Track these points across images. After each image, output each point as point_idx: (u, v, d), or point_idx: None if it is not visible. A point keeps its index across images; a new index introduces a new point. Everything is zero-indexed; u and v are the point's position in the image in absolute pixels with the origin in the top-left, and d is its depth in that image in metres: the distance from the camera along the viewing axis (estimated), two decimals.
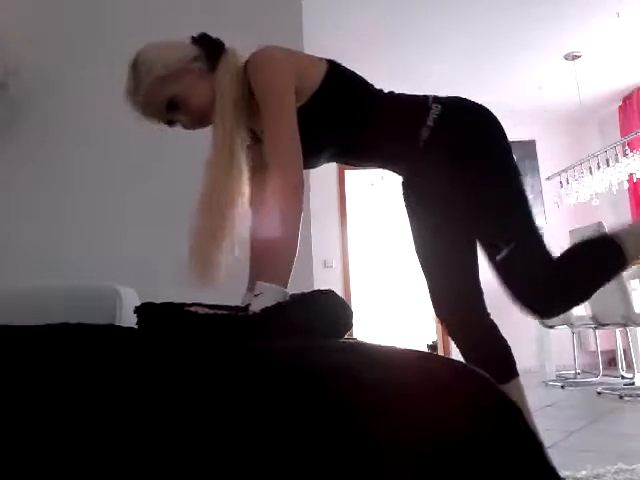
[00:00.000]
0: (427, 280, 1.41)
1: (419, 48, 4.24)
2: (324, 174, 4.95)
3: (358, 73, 1.31)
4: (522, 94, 5.04)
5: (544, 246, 1.27)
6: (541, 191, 5.62)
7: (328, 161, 1.37)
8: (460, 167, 1.25)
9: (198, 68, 1.20)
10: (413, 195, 1.42)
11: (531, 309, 1.27)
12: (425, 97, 1.30)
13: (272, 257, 1.08)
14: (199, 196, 1.15)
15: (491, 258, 1.26)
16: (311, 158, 1.18)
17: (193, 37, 1.24)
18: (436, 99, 1.29)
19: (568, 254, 1.30)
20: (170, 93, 1.18)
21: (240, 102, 1.20)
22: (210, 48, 1.22)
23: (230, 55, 1.23)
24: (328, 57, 1.29)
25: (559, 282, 1.26)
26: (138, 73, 1.17)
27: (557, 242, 4.89)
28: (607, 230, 1.35)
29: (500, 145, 1.28)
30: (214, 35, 1.26)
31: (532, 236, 1.27)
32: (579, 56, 4.47)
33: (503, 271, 1.25)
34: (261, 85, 1.17)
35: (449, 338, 1.44)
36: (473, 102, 1.32)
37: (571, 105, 5.21)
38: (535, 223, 1.27)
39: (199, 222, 1.13)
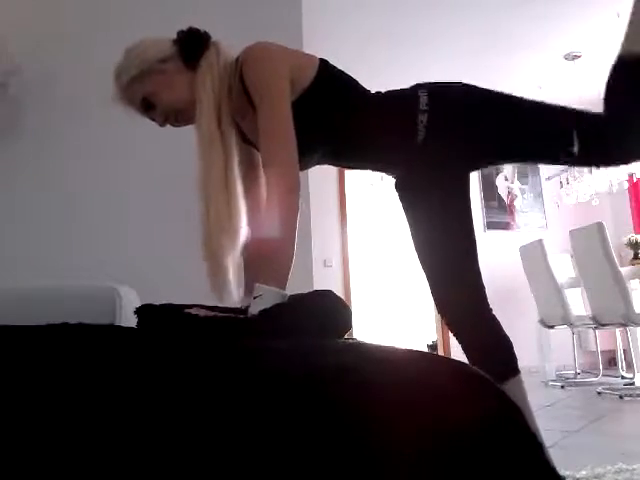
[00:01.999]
0: (427, 277, 1.41)
1: (418, 48, 4.24)
2: (324, 174, 4.95)
3: (352, 73, 1.31)
4: (522, 94, 5.04)
5: (588, 114, 1.31)
6: (541, 191, 5.63)
7: (319, 162, 1.36)
8: (469, 126, 1.28)
9: (173, 67, 1.20)
10: (409, 194, 1.41)
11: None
12: (409, 87, 1.33)
13: (270, 259, 1.06)
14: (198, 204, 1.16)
15: (573, 157, 1.30)
16: (302, 157, 1.17)
17: (178, 32, 1.24)
18: (419, 86, 1.32)
19: (609, 98, 1.33)
20: (142, 92, 1.20)
21: (225, 101, 1.19)
22: (190, 46, 1.21)
23: (213, 52, 1.22)
24: (326, 58, 1.29)
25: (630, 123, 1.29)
26: (117, 76, 1.21)
27: (557, 242, 4.88)
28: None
29: (490, 95, 1.34)
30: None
31: (574, 116, 1.32)
32: (579, 56, 4.47)
33: (591, 153, 1.30)
34: (256, 80, 1.16)
35: (449, 338, 1.44)
36: (448, 81, 1.35)
37: (571, 105, 5.21)
38: (566, 110, 1.32)
39: (202, 235, 1.14)
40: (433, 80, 1.35)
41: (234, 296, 1.14)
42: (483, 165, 1.44)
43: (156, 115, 1.24)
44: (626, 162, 1.34)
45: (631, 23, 1.28)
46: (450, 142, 1.28)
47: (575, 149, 1.26)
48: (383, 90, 1.34)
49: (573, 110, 1.32)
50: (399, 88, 1.33)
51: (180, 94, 1.21)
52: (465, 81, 1.35)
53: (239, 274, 1.18)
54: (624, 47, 1.28)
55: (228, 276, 1.13)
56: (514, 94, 1.33)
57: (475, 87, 1.33)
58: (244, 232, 1.17)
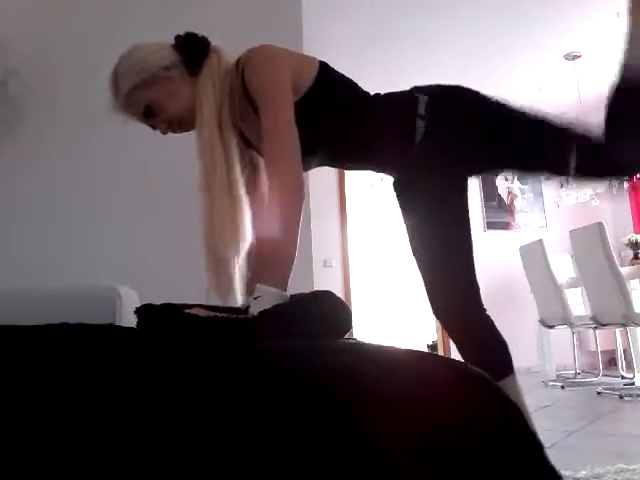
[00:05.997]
0: (423, 278, 1.41)
1: (417, 49, 4.24)
2: (324, 174, 4.95)
3: (351, 74, 1.31)
4: (522, 94, 5.04)
5: (585, 130, 1.30)
6: (541, 191, 5.63)
7: (320, 164, 1.36)
8: (466, 132, 1.28)
9: (176, 74, 1.19)
10: (407, 194, 1.41)
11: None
12: (408, 90, 1.32)
13: (271, 260, 1.06)
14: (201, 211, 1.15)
15: (569, 175, 1.30)
16: (303, 159, 1.17)
17: (176, 38, 1.22)
18: (418, 89, 1.31)
19: (610, 119, 1.31)
20: (145, 100, 1.18)
21: (226, 106, 1.18)
22: (190, 52, 1.20)
23: (214, 57, 1.21)
24: (325, 58, 1.29)
25: (626, 143, 1.28)
26: (114, 83, 1.19)
27: (557, 242, 4.88)
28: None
29: (489, 105, 1.31)
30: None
31: (575, 134, 1.30)
32: (579, 56, 4.47)
33: (586, 172, 1.30)
34: (259, 81, 1.15)
35: (449, 338, 1.44)
36: (447, 84, 1.34)
37: (571, 105, 5.21)
38: (564, 127, 1.30)
39: (205, 239, 1.14)
40: (432, 81, 1.35)
41: (239, 302, 1.13)
42: (480, 171, 1.44)
43: (158, 123, 1.22)
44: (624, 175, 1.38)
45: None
46: (447, 147, 1.28)
47: (572, 167, 1.26)
48: (382, 91, 1.34)
49: (571, 127, 1.30)
50: (398, 90, 1.33)
51: (185, 102, 1.19)
52: (465, 81, 1.35)
53: (243, 280, 1.17)
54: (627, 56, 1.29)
55: (234, 285, 1.13)
56: (515, 103, 1.31)
57: (476, 93, 1.32)
58: (249, 238, 1.16)
